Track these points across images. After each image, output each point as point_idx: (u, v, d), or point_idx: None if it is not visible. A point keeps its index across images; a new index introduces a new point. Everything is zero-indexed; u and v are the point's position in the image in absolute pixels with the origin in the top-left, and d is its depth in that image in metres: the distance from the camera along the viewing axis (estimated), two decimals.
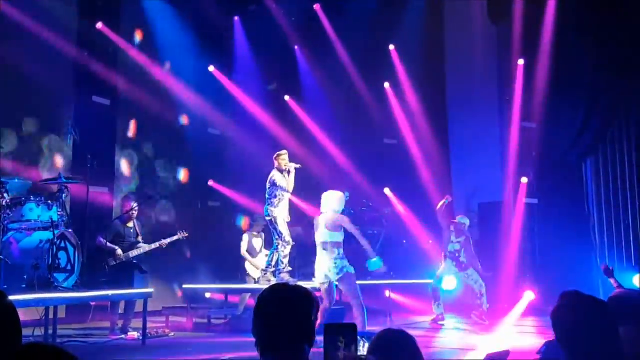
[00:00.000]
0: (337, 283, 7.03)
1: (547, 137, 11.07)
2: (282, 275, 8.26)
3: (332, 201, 7.11)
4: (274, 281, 8.20)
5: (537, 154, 11.26)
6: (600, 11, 10.41)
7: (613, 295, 3.14)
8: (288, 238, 8.36)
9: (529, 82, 11.34)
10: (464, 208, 11.86)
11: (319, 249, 7.08)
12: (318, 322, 2.24)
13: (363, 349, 2.46)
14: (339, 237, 7.02)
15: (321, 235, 7.05)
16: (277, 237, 8.35)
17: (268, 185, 8.36)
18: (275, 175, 8.31)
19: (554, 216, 10.92)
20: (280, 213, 8.31)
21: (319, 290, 7.09)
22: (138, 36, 11.33)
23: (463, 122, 12.46)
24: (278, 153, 8.49)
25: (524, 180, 11.31)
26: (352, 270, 6.99)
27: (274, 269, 8.53)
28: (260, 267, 9.19)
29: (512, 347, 4.17)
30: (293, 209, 9.01)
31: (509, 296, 10.15)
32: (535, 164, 11.29)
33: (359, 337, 2.26)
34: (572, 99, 10.87)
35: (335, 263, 6.92)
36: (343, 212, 7.25)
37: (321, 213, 7.18)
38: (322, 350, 2.12)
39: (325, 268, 6.97)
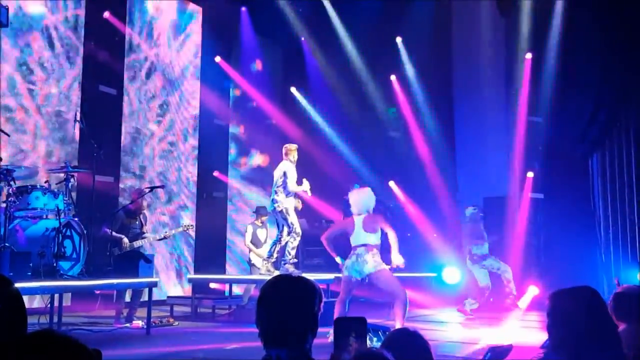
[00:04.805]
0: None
1: (553, 131, 11.02)
2: (287, 266, 8.23)
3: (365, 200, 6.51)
4: (274, 271, 8.20)
5: (544, 148, 11.22)
6: (610, 5, 10.33)
7: (618, 291, 3.13)
8: (299, 230, 8.30)
9: (536, 76, 11.28)
10: (469, 202, 11.82)
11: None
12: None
13: (371, 342, 2.46)
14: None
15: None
16: (286, 228, 8.32)
17: (279, 175, 8.29)
18: (288, 167, 8.25)
19: (560, 211, 10.88)
20: (291, 204, 8.29)
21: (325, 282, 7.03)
22: (145, 26, 11.31)
23: (469, 115, 12.40)
24: (290, 147, 8.39)
25: (530, 174, 11.27)
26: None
27: (274, 260, 8.52)
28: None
29: (516, 342, 4.18)
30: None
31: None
32: (541, 158, 11.25)
33: (373, 331, 2.27)
34: (579, 94, 10.82)
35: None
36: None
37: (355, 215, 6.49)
38: (324, 341, 2.12)
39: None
